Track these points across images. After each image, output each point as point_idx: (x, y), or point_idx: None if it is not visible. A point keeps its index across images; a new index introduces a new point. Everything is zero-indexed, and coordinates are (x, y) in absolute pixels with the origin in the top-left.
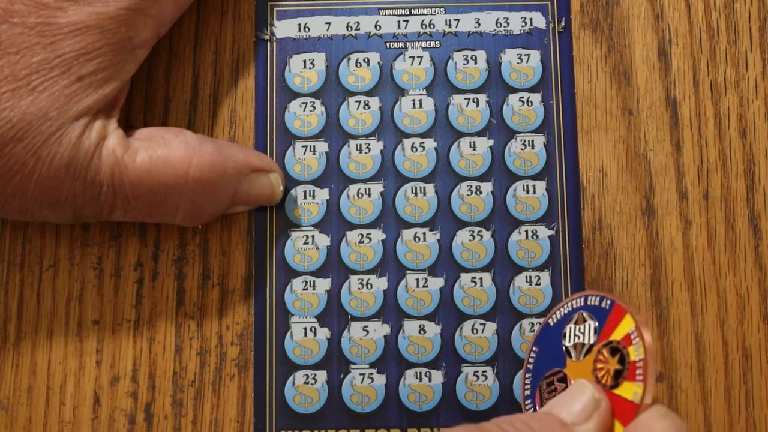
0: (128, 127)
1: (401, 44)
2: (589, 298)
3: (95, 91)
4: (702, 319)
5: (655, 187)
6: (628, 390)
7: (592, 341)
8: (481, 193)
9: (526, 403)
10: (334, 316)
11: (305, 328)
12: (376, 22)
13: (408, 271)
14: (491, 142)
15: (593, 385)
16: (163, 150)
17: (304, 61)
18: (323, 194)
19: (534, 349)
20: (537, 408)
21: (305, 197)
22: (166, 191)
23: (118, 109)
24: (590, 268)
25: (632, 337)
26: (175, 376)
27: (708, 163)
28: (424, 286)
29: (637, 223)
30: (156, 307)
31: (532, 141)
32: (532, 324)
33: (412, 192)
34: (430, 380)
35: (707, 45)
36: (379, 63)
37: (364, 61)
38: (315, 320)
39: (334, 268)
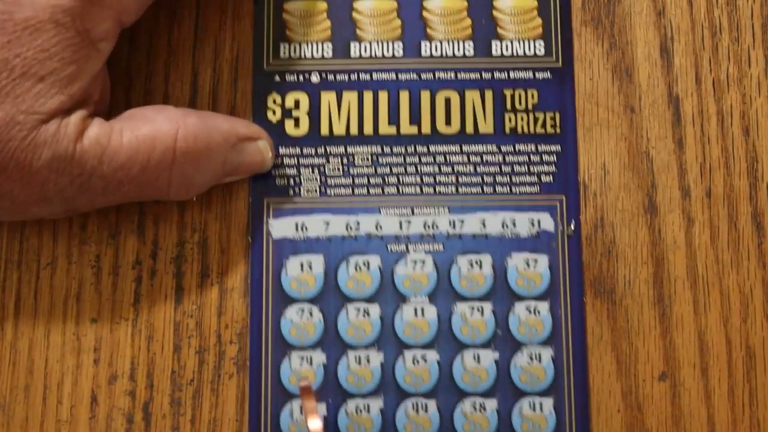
0: None
1: (403, 246)
2: None
3: (61, 92)
4: (705, 318)
5: (658, 184)
6: None
7: None
8: (485, 410)
9: None
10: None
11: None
12: (377, 222)
13: None
14: (496, 354)
15: None
16: (147, 128)
17: (302, 264)
18: (320, 408)
19: None
20: None
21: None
22: (156, 168)
23: (94, 101)
24: (592, 267)
25: None
26: (174, 375)
27: (711, 161)
28: None
29: (639, 220)
30: (154, 305)
31: (539, 354)
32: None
33: (413, 409)
34: None
35: (709, 42)
36: (379, 267)
37: (364, 264)
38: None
39: None
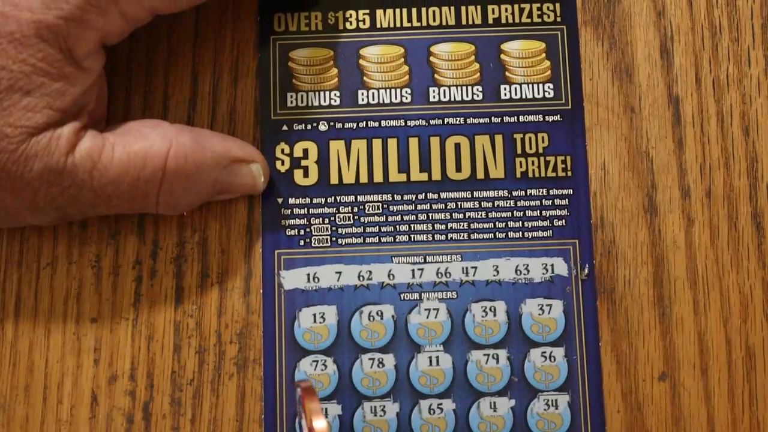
0: None
1: (416, 295)
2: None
3: (49, 106)
4: (705, 318)
5: (658, 184)
6: None
7: None
8: None
9: None
10: None
11: None
12: (389, 270)
13: None
14: (512, 402)
15: None
16: (140, 144)
17: (314, 315)
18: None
19: None
20: None
21: None
22: (145, 185)
23: (88, 111)
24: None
25: None
26: (174, 375)
27: (711, 161)
28: None
29: (639, 221)
30: (154, 305)
31: (556, 400)
32: None
33: None
34: None
35: (709, 42)
36: (393, 316)
37: (377, 314)
38: None
39: None
